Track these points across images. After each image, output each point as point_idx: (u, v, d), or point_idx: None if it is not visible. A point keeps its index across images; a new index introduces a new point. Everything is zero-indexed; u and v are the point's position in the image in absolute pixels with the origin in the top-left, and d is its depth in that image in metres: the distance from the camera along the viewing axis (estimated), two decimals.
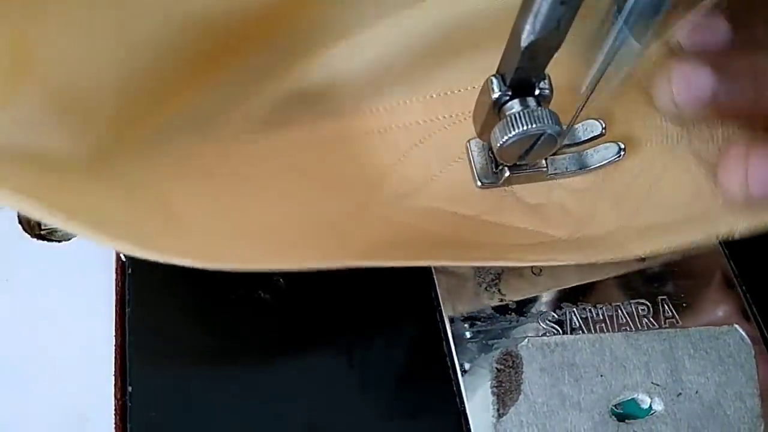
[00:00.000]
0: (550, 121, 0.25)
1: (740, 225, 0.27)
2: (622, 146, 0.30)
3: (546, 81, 0.26)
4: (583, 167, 0.31)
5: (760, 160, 0.26)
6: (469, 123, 0.29)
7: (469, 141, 0.31)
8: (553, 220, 0.29)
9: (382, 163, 0.30)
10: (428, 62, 0.30)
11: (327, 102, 0.30)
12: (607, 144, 0.31)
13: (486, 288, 0.29)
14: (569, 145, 0.31)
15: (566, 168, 0.31)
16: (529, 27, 0.22)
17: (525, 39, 0.23)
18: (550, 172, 0.30)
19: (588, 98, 0.27)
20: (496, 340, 0.28)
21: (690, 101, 0.26)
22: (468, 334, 0.28)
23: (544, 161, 0.29)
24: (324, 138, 0.30)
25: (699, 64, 0.26)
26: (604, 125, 0.31)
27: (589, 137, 0.31)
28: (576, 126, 0.31)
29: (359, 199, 0.28)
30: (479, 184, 0.30)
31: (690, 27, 0.27)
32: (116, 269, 0.28)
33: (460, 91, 0.31)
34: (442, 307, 0.28)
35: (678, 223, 0.28)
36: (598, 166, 0.31)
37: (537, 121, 0.24)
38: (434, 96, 0.31)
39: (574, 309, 0.28)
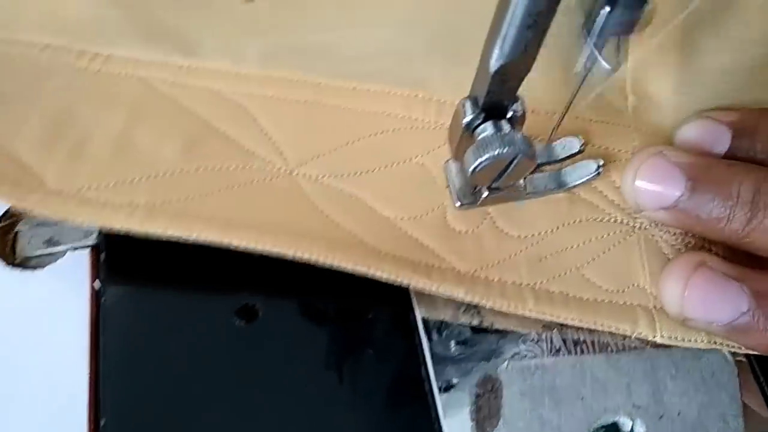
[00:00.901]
0: (522, 145, 0.24)
1: (661, 332, 0.27)
2: (600, 163, 0.30)
3: (519, 103, 0.25)
4: (561, 186, 0.30)
5: (705, 278, 0.25)
6: (438, 133, 0.30)
7: (447, 161, 0.31)
8: (463, 251, 0.28)
9: (331, 137, 0.30)
10: (426, 62, 0.30)
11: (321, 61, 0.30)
12: (585, 162, 0.30)
13: (464, 310, 0.28)
14: (547, 163, 0.31)
15: (545, 187, 0.30)
16: (498, 51, 0.22)
17: (493, 64, 0.22)
18: (528, 191, 0.30)
19: (561, 119, 0.27)
20: (475, 363, 0.27)
21: (652, 203, 0.26)
22: (447, 357, 0.27)
23: (522, 180, 0.29)
24: (293, 96, 0.31)
25: (673, 165, 0.25)
26: (582, 142, 0.30)
27: (567, 155, 0.31)
28: (554, 143, 0.31)
29: (287, 162, 0.29)
30: (458, 204, 0.30)
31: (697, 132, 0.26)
32: (90, 295, 0.28)
33: (444, 101, 0.31)
34: (420, 331, 0.28)
35: (594, 303, 0.27)
36: (577, 184, 0.30)
37: (509, 144, 0.24)
38: (419, 97, 0.31)
39: (555, 329, 0.28)
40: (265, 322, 0.28)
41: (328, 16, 0.29)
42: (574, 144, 0.30)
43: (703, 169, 0.26)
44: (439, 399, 0.26)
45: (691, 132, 0.28)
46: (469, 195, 0.30)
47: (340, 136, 0.30)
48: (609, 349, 0.28)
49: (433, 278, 0.26)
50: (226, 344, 0.28)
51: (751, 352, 0.27)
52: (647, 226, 0.30)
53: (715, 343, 0.27)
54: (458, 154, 0.27)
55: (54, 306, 0.28)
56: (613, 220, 0.30)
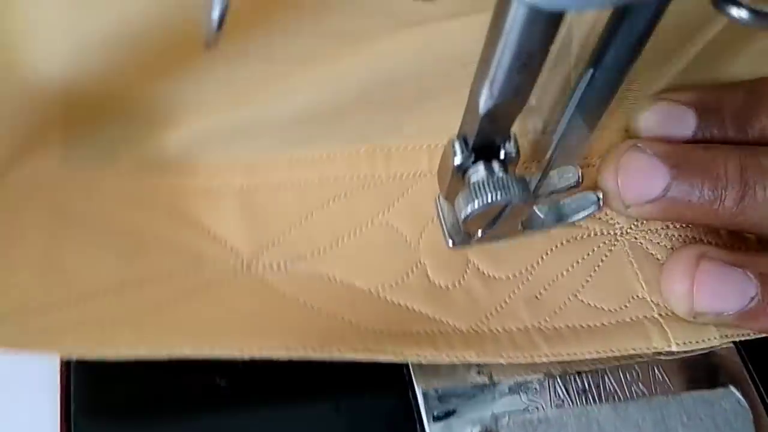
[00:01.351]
0: (517, 190, 0.22)
1: (677, 338, 0.26)
2: (600, 195, 0.28)
3: (511, 142, 0.23)
4: (560, 219, 0.28)
5: (710, 270, 0.24)
6: (393, 184, 0.28)
7: (438, 197, 0.29)
8: (456, 307, 0.26)
9: (281, 219, 0.27)
10: (361, 114, 0.27)
11: (240, 148, 0.27)
12: (584, 193, 0.29)
13: (471, 371, 0.26)
14: (544, 195, 0.29)
15: (542, 222, 0.28)
16: (487, 92, 0.20)
17: (483, 106, 0.21)
18: (525, 227, 0.28)
19: (548, 166, 0.26)
20: (473, 416, 0.25)
21: (638, 197, 0.25)
22: (443, 411, 0.25)
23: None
24: (227, 185, 0.27)
25: (651, 155, 0.25)
26: (580, 172, 0.29)
27: (565, 185, 0.29)
28: (551, 173, 0.29)
29: (241, 258, 0.25)
30: (450, 243, 0.28)
31: (658, 117, 0.25)
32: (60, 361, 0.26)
33: (398, 148, 0.29)
34: (415, 383, 0.26)
35: (603, 329, 0.26)
36: (577, 218, 0.28)
37: (503, 190, 0.22)
38: (361, 152, 0.28)
39: (557, 378, 0.26)
40: (246, 382, 0.26)
41: (248, 91, 0.26)
42: (572, 175, 0.29)
43: (682, 154, 0.25)
44: None
45: (653, 118, 0.27)
46: (463, 233, 0.28)
47: (289, 215, 0.27)
48: (616, 397, 0.26)
49: (440, 348, 0.24)
50: (208, 405, 0.26)
51: (761, 335, 0.26)
52: (629, 230, 0.29)
53: (726, 336, 0.26)
54: (449, 195, 0.26)
55: (22, 372, 0.26)
56: (593, 233, 0.29)
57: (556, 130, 0.24)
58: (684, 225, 0.29)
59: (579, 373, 0.26)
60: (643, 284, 0.28)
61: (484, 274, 0.27)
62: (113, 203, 0.25)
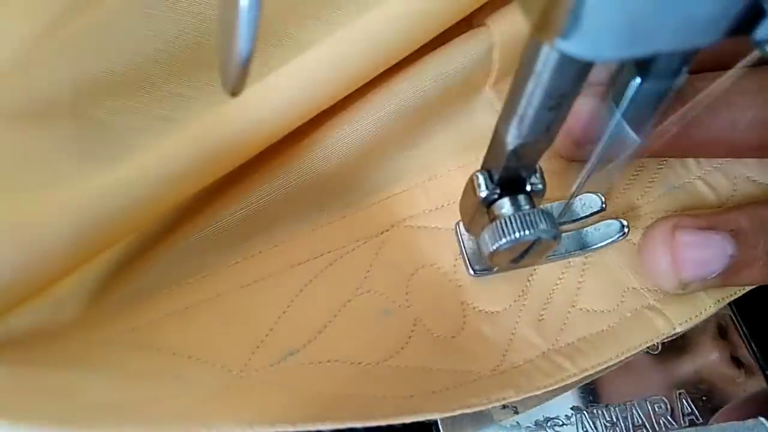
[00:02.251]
0: (545, 225, 0.22)
1: (677, 318, 0.26)
2: (625, 223, 0.28)
3: (537, 175, 0.23)
4: (583, 247, 0.28)
5: (687, 240, 0.24)
6: (359, 252, 0.27)
7: (458, 224, 0.28)
8: (470, 353, 0.25)
9: (261, 319, 0.25)
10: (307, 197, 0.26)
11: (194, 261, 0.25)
12: (609, 221, 0.28)
13: (503, 406, 0.26)
14: (566, 222, 0.29)
15: (565, 249, 0.28)
16: (515, 131, 0.20)
17: (511, 143, 0.20)
18: (548, 255, 0.28)
19: (582, 186, 0.25)
20: None
21: (702, 273, 0.24)
22: None
23: None
24: (198, 303, 0.25)
25: (707, 233, 0.24)
26: (603, 200, 0.28)
27: (588, 213, 0.28)
28: (573, 201, 0.28)
29: (230, 371, 0.23)
30: (471, 272, 0.28)
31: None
32: None
33: (345, 217, 0.28)
34: (440, 425, 0.25)
35: (611, 331, 0.26)
36: (600, 246, 0.28)
37: (530, 227, 0.22)
38: (315, 229, 0.27)
39: (584, 412, 0.26)
40: None
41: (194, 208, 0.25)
42: (595, 202, 0.28)
43: (726, 219, 0.25)
44: None
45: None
46: (484, 261, 0.28)
47: (268, 314, 0.25)
48: (645, 430, 0.25)
49: (476, 395, 0.24)
50: None
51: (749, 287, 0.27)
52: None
53: (719, 301, 0.26)
54: (472, 228, 0.25)
55: None
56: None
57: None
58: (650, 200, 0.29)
59: (607, 406, 0.26)
60: (630, 274, 0.28)
61: (482, 311, 0.27)
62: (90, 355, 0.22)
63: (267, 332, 0.24)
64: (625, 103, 0.20)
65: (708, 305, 0.26)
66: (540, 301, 0.27)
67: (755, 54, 0.16)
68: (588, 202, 0.28)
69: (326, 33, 0.23)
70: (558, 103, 0.18)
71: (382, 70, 0.25)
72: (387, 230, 0.28)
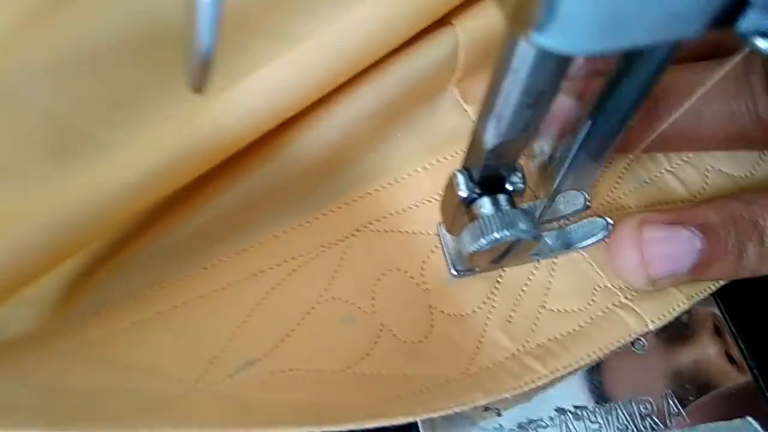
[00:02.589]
0: (525, 225, 0.22)
1: (649, 315, 0.26)
2: (610, 221, 0.27)
3: (518, 174, 0.22)
4: (567, 246, 0.28)
5: (655, 236, 0.24)
6: (323, 258, 0.26)
7: (440, 225, 0.28)
8: (438, 358, 0.25)
9: (219, 330, 0.24)
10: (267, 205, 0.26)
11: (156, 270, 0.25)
12: (593, 219, 0.28)
13: (485, 408, 0.25)
14: (550, 220, 0.28)
15: (550, 248, 0.28)
16: (493, 130, 0.19)
17: (489, 141, 0.20)
18: (531, 254, 0.27)
19: (555, 194, 0.25)
20: None
21: (672, 270, 0.24)
22: None
23: None
24: (154, 316, 0.24)
25: (674, 228, 0.24)
26: (587, 197, 0.28)
27: (572, 210, 0.28)
28: (557, 198, 0.28)
29: (186, 383, 0.22)
30: (454, 272, 0.27)
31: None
32: None
33: (309, 222, 0.27)
34: (420, 428, 0.25)
35: (583, 331, 0.26)
36: (585, 245, 0.27)
37: (510, 227, 0.21)
38: (278, 235, 0.27)
39: (568, 413, 0.25)
40: None
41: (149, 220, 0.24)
42: (578, 199, 0.28)
43: (694, 213, 0.25)
44: None
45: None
46: (468, 263, 0.27)
47: (227, 324, 0.24)
48: (630, 431, 0.25)
49: (443, 399, 0.23)
50: None
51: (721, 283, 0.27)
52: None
53: (692, 297, 0.26)
54: (453, 228, 0.25)
55: None
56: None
57: (563, 158, 0.23)
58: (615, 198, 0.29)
59: (592, 407, 0.25)
60: (600, 272, 0.27)
61: (451, 315, 0.26)
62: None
63: (225, 343, 0.23)
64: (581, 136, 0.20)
65: (680, 301, 0.26)
66: (509, 302, 0.26)
67: (746, 50, 0.15)
68: (571, 199, 0.28)
69: (296, 40, 0.22)
70: (536, 100, 0.17)
71: (351, 75, 0.24)
72: (352, 235, 0.27)
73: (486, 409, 0.25)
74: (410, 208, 0.28)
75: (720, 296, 0.27)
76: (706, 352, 0.27)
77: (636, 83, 0.18)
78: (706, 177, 0.29)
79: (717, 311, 0.28)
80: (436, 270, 0.27)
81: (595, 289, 0.27)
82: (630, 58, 0.17)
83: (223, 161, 0.23)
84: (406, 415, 0.22)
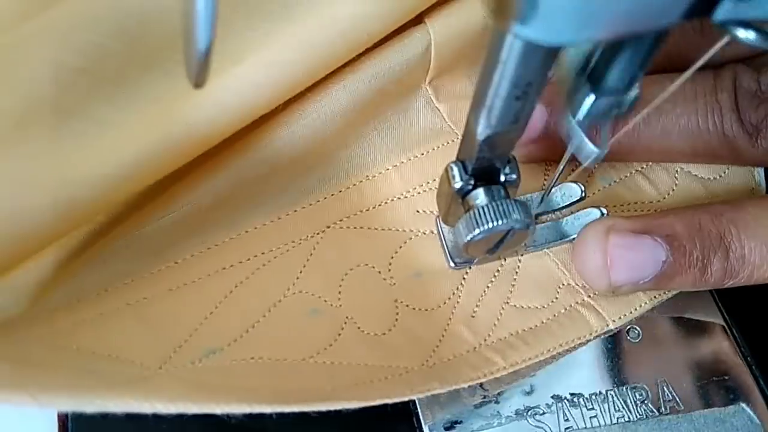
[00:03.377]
0: (519, 215, 0.22)
1: (611, 315, 0.26)
2: (605, 211, 0.28)
3: (511, 165, 0.23)
4: (563, 237, 0.28)
5: (620, 243, 0.24)
6: (293, 254, 0.27)
7: (437, 217, 0.28)
8: (400, 350, 0.25)
9: (185, 321, 0.24)
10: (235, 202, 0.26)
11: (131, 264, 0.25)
12: (588, 210, 0.28)
13: (470, 391, 0.26)
14: (545, 212, 0.29)
15: (545, 239, 0.28)
16: (484, 122, 0.20)
17: (481, 133, 0.20)
18: (528, 245, 0.28)
19: (555, 181, 0.25)
20: None
21: (635, 277, 0.24)
22: None
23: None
24: (120, 306, 0.24)
25: (640, 237, 0.24)
26: (583, 189, 0.28)
27: (568, 203, 0.28)
28: (553, 190, 0.28)
29: (149, 368, 0.23)
30: (452, 264, 0.27)
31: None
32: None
33: (280, 218, 0.28)
34: (420, 413, 0.25)
35: (544, 327, 0.26)
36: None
37: (504, 217, 0.22)
38: (249, 231, 0.27)
39: (564, 399, 0.26)
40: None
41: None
42: (574, 191, 0.28)
43: (661, 224, 0.25)
44: None
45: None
46: (464, 254, 0.28)
47: (192, 315, 0.25)
48: (625, 417, 0.25)
49: (401, 387, 0.23)
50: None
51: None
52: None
53: (655, 298, 0.27)
54: (448, 219, 0.25)
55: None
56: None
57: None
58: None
59: (588, 396, 0.26)
60: (564, 270, 0.28)
61: (415, 309, 0.27)
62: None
63: (191, 333, 0.24)
64: (581, 117, 0.20)
65: (643, 302, 0.27)
66: (474, 298, 0.27)
67: (726, 38, 0.16)
68: (568, 191, 0.28)
69: (270, 38, 0.23)
70: (524, 92, 0.18)
71: (324, 74, 0.24)
72: (322, 231, 0.27)
73: (484, 397, 0.26)
74: (380, 205, 0.28)
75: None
76: (701, 341, 0.27)
77: (626, 72, 0.19)
78: (676, 179, 0.30)
79: (711, 301, 0.28)
80: (403, 266, 0.27)
81: (559, 288, 0.27)
82: (619, 46, 0.18)
83: (195, 158, 0.23)
84: (360, 401, 0.22)
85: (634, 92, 0.20)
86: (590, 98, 0.20)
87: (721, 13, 0.13)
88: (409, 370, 0.24)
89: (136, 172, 0.21)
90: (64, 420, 0.25)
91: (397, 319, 0.26)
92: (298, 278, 0.26)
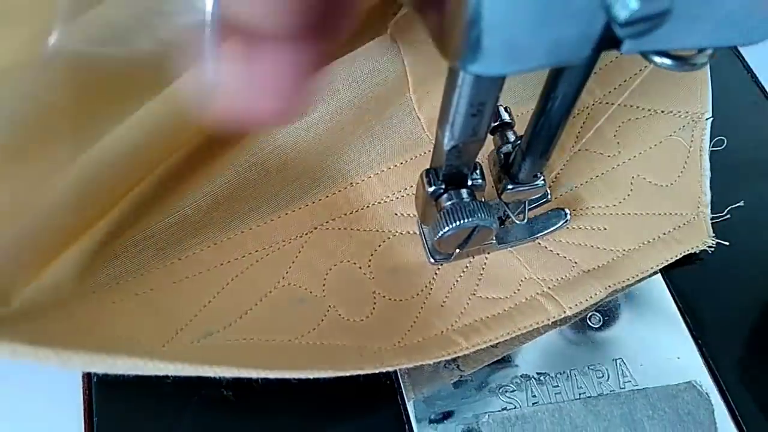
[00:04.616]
0: (483, 214, 0.25)
1: (567, 302, 0.29)
2: (568, 211, 0.31)
3: (478, 171, 0.26)
4: (531, 234, 0.31)
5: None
6: (283, 251, 0.30)
7: (418, 219, 0.31)
8: (375, 333, 0.28)
9: (186, 308, 0.28)
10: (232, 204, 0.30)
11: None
12: (554, 211, 0.31)
13: (445, 365, 0.29)
14: (516, 213, 0.32)
15: (515, 237, 0.31)
16: (448, 134, 0.23)
17: (446, 144, 0.23)
18: (499, 243, 0.31)
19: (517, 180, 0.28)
20: (456, 418, 0.28)
21: None
22: (429, 415, 0.28)
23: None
24: (125, 297, 0.28)
25: None
26: (548, 189, 0.31)
27: (535, 205, 0.31)
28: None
29: (154, 346, 0.26)
30: (432, 260, 0.31)
31: None
32: (83, 378, 0.29)
33: (272, 220, 0.31)
34: (403, 390, 0.28)
35: (506, 314, 0.29)
36: (547, 232, 0.31)
37: (470, 215, 0.25)
38: (245, 231, 0.30)
39: (532, 378, 0.29)
40: (252, 394, 0.29)
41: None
42: (538, 188, 0.31)
43: None
44: None
45: None
46: (439, 249, 0.31)
47: (191, 304, 0.28)
48: (587, 394, 0.28)
49: (371, 361, 0.27)
50: (216, 415, 0.28)
51: None
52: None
53: (609, 287, 0.30)
54: (425, 220, 0.28)
55: (47, 391, 0.29)
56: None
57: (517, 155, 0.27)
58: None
59: (554, 375, 0.29)
60: (527, 266, 0.31)
61: (391, 300, 0.30)
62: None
63: (191, 318, 0.27)
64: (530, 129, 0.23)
65: (598, 290, 0.30)
66: (444, 291, 0.30)
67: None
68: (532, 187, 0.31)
69: None
70: (479, 110, 0.21)
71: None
72: (310, 232, 0.31)
73: (446, 365, 0.29)
74: (362, 209, 0.32)
75: (667, 274, 0.31)
76: (655, 325, 0.30)
77: (563, 98, 0.22)
78: (631, 184, 0.33)
79: (665, 288, 0.31)
80: (382, 262, 0.31)
81: (521, 281, 0.30)
82: (557, 76, 0.21)
83: (192, 163, 0.28)
84: (336, 372, 0.26)
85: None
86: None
87: (626, 48, 0.17)
88: (382, 349, 0.28)
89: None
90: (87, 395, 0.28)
91: (374, 308, 0.29)
92: (287, 272, 0.29)
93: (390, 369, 0.27)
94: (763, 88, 0.38)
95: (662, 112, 0.35)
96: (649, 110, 0.35)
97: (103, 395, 0.29)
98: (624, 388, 0.29)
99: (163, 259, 0.29)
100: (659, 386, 0.29)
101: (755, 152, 0.36)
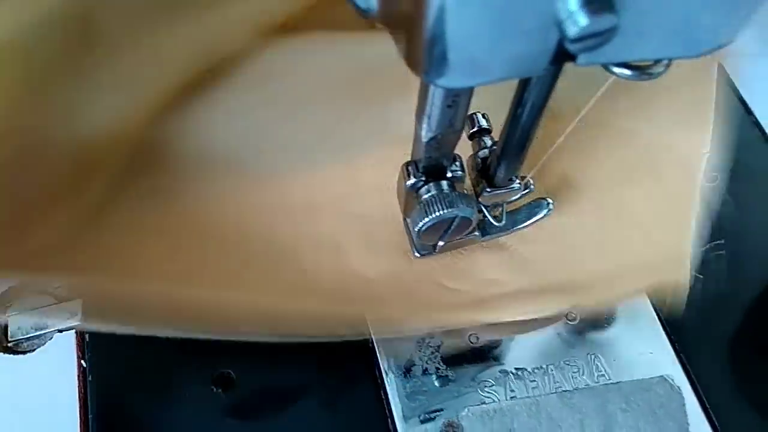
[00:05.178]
0: (462, 204, 0.26)
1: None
2: (550, 202, 0.31)
3: (457, 163, 0.26)
4: (515, 225, 0.31)
5: None
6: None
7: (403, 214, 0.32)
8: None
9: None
10: None
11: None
12: (537, 201, 0.32)
13: (427, 360, 0.30)
14: (501, 204, 0.32)
15: (499, 229, 0.31)
16: (426, 126, 0.23)
17: (425, 136, 0.24)
18: (483, 235, 0.31)
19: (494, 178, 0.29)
20: (438, 412, 0.29)
21: None
22: (411, 408, 0.29)
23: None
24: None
25: None
26: (532, 180, 0.31)
27: (518, 196, 0.32)
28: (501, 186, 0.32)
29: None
30: (417, 255, 0.31)
31: None
32: (78, 375, 0.30)
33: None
34: (386, 383, 0.29)
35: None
36: (530, 223, 0.31)
37: (450, 206, 0.26)
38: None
39: (510, 373, 0.29)
40: (240, 390, 0.29)
41: None
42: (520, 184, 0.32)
43: None
44: None
45: None
46: (422, 242, 0.31)
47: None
48: (563, 388, 0.29)
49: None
50: (206, 411, 0.29)
51: None
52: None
53: None
54: (406, 212, 0.29)
55: (43, 387, 0.30)
56: None
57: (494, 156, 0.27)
58: None
59: (531, 370, 0.30)
60: (495, 266, 0.32)
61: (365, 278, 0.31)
62: None
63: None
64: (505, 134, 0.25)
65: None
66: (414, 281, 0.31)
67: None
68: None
69: None
70: (454, 101, 0.21)
71: None
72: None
73: (444, 375, 0.30)
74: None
75: None
76: (629, 322, 0.31)
77: (531, 106, 0.22)
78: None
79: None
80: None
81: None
82: (524, 87, 0.22)
83: None
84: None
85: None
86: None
87: (581, 61, 0.17)
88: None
89: None
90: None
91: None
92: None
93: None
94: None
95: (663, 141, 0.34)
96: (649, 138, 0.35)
97: (98, 394, 0.30)
98: (598, 382, 0.29)
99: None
100: (633, 380, 0.29)
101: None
